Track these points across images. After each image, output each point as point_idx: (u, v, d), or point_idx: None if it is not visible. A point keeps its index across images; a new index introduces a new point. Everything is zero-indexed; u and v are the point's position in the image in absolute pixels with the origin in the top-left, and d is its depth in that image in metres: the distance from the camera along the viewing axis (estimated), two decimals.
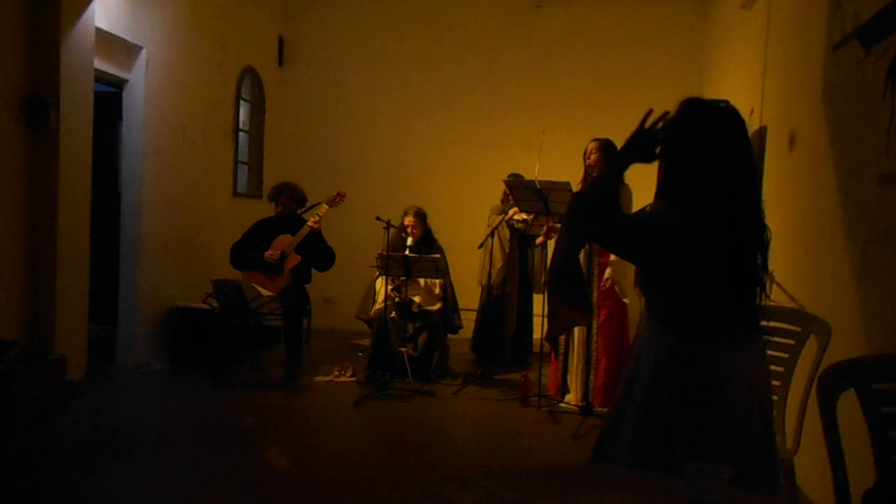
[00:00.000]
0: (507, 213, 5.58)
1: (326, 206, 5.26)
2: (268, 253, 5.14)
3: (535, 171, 4.83)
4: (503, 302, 5.73)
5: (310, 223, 5.16)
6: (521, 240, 5.77)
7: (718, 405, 1.72)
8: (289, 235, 5.18)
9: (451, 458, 3.73)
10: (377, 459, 3.69)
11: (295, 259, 5.16)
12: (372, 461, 3.66)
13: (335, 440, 4.05)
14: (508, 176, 5.76)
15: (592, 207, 1.78)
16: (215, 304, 4.86)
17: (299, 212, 5.40)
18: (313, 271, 5.36)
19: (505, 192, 5.77)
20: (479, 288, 5.80)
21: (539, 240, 5.72)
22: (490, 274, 5.63)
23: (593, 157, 4.34)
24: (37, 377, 3.91)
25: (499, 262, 5.66)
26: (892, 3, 2.36)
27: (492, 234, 5.56)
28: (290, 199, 5.33)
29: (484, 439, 4.19)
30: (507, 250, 5.71)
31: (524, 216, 5.51)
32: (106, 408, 4.37)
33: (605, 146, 4.34)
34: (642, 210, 1.89)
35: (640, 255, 1.82)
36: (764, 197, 4.06)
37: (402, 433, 4.16)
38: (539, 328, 5.80)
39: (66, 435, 3.85)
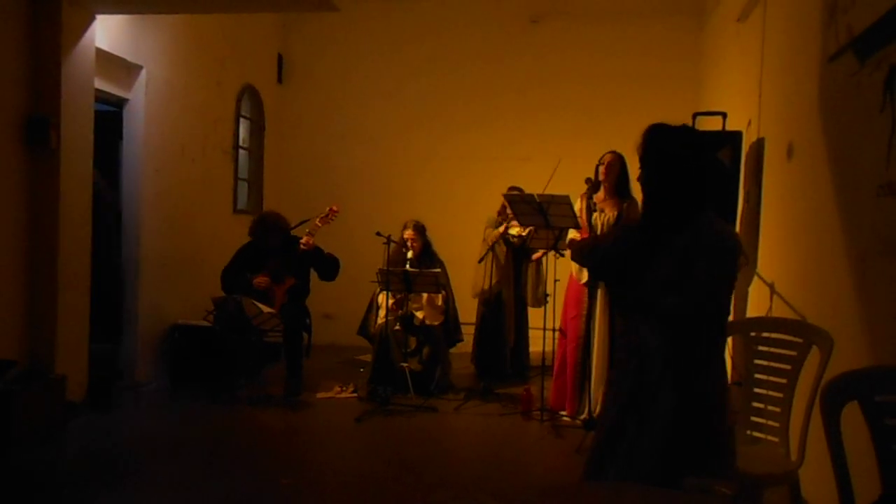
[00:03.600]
0: (502, 226, 5.58)
1: (319, 224, 5.20)
2: (256, 280, 5.13)
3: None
4: (501, 315, 5.71)
5: (301, 244, 5.10)
6: (516, 253, 5.76)
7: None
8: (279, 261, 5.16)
9: (454, 475, 3.71)
10: (379, 476, 3.66)
11: (289, 282, 5.17)
12: (374, 478, 3.63)
13: (336, 457, 4.03)
14: (508, 189, 5.76)
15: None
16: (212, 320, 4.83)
17: (290, 229, 5.35)
18: (316, 283, 5.34)
19: (502, 205, 5.77)
20: (475, 301, 5.78)
21: (536, 255, 5.71)
22: (490, 287, 5.61)
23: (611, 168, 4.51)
24: (36, 397, 3.90)
25: (495, 277, 5.65)
26: (884, 16, 2.39)
27: (492, 249, 5.55)
28: (279, 231, 5.24)
29: (486, 455, 4.17)
30: (503, 263, 5.71)
31: (519, 230, 5.52)
32: (106, 427, 4.35)
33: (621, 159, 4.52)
34: None
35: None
36: (763, 207, 4.10)
37: (404, 449, 4.14)
38: (535, 341, 5.78)
39: (65, 455, 3.83)
